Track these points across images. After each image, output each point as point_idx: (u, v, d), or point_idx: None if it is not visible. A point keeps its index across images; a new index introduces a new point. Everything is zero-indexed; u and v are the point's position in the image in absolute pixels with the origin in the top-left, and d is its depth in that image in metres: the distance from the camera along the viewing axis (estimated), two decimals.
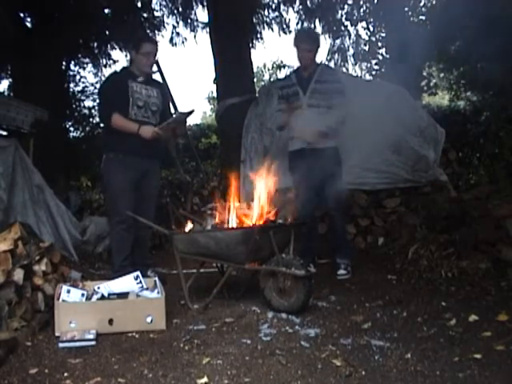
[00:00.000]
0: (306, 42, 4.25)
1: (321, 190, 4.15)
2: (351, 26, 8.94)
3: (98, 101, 4.88)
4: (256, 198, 3.54)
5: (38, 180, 4.66)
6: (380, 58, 8.64)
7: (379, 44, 8.66)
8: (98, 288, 3.24)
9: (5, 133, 4.74)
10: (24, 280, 3.08)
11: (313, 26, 8.77)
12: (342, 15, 8.85)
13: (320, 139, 4.15)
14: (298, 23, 8.82)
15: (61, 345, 2.81)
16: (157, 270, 4.34)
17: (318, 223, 4.80)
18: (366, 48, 8.83)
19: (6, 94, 8.53)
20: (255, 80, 8.06)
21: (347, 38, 9.08)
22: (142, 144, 3.88)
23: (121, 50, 8.59)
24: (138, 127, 3.88)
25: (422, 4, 8.68)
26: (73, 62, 8.88)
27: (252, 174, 3.81)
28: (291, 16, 9.30)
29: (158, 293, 3.22)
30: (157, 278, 3.46)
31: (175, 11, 8.72)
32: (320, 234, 4.79)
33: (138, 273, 3.35)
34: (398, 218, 5.07)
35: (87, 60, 8.97)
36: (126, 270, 3.69)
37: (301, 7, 8.69)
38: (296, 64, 4.48)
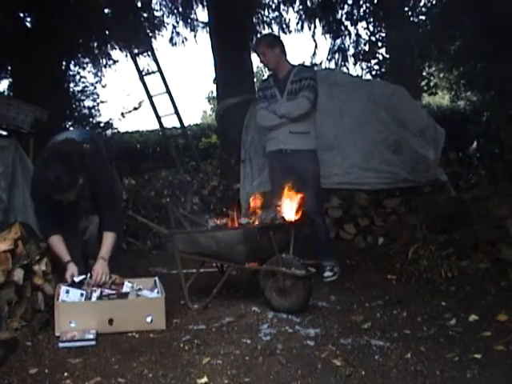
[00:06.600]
0: (258, 47, 4.26)
1: (299, 192, 4.07)
2: (351, 25, 8.96)
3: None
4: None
5: None
6: (380, 57, 8.65)
7: (379, 44, 8.66)
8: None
9: (5, 133, 4.74)
10: (24, 280, 3.07)
11: (313, 26, 8.79)
12: (342, 15, 8.86)
13: (296, 141, 4.07)
14: (297, 23, 8.84)
15: (61, 345, 2.81)
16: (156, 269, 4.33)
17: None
18: (366, 48, 8.84)
19: (6, 93, 8.53)
20: (255, 80, 8.05)
21: (347, 38, 9.10)
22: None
23: (121, 50, 8.60)
24: (65, 263, 3.33)
25: (422, 4, 8.71)
26: (73, 62, 8.89)
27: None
28: (291, 16, 9.32)
29: (158, 293, 3.22)
30: (157, 278, 3.45)
31: (175, 11, 8.73)
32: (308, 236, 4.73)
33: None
34: (398, 217, 5.07)
35: (87, 60, 8.98)
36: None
37: (301, 7, 8.70)
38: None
